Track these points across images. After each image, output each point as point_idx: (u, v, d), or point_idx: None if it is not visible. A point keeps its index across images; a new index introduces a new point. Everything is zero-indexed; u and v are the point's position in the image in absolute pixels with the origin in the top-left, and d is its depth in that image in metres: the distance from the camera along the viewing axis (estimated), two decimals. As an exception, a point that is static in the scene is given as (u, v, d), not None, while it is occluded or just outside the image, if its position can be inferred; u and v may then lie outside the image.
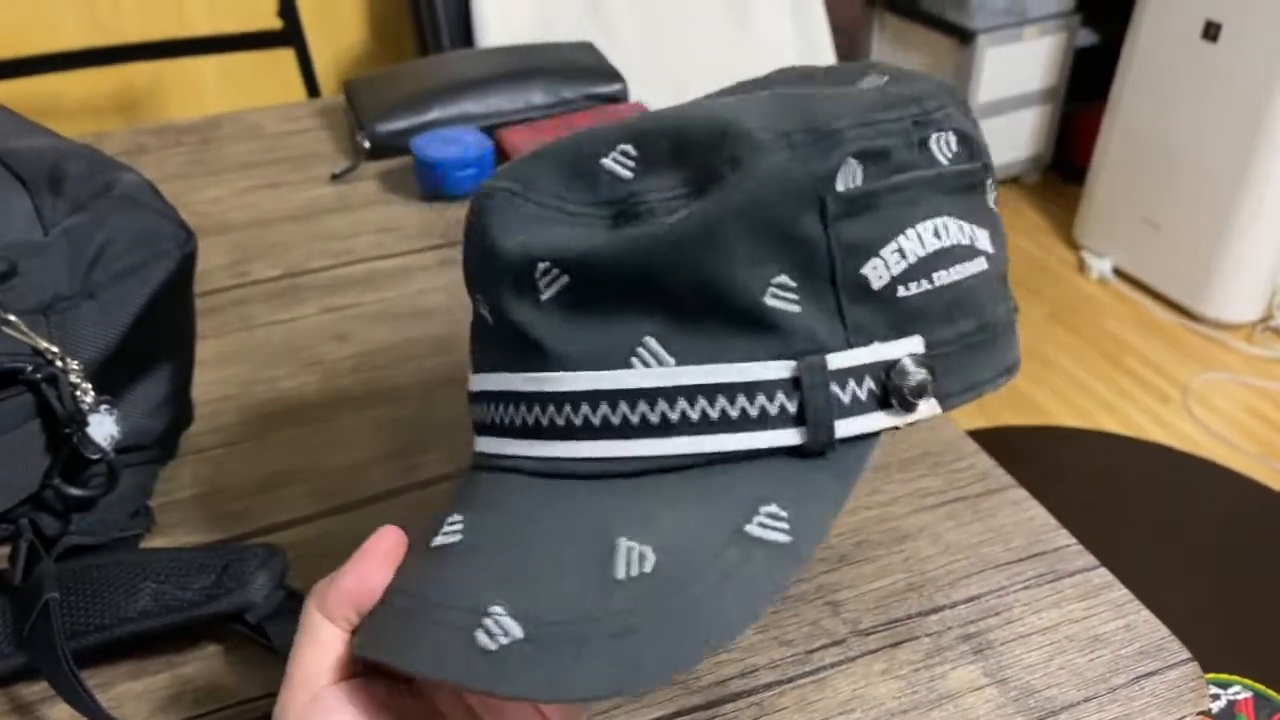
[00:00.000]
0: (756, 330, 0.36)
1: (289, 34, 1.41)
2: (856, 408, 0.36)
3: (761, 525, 0.35)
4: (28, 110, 0.65)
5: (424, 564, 0.37)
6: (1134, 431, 1.97)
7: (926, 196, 0.38)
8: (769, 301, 0.36)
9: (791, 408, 0.36)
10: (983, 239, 0.39)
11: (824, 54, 1.73)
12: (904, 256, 0.37)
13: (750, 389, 0.36)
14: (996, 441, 1.12)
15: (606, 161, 0.38)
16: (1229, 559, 1.07)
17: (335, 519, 0.56)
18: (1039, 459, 1.14)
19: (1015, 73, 2.54)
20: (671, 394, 0.36)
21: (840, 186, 0.36)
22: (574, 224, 0.38)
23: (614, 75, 0.97)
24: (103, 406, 0.52)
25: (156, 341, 0.56)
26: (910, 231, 0.37)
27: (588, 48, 1.01)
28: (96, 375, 0.53)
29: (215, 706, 0.46)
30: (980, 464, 0.59)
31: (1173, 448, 1.15)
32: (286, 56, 1.47)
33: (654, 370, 0.36)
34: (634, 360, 0.36)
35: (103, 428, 0.52)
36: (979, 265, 0.39)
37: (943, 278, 0.37)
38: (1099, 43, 2.61)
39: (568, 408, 0.37)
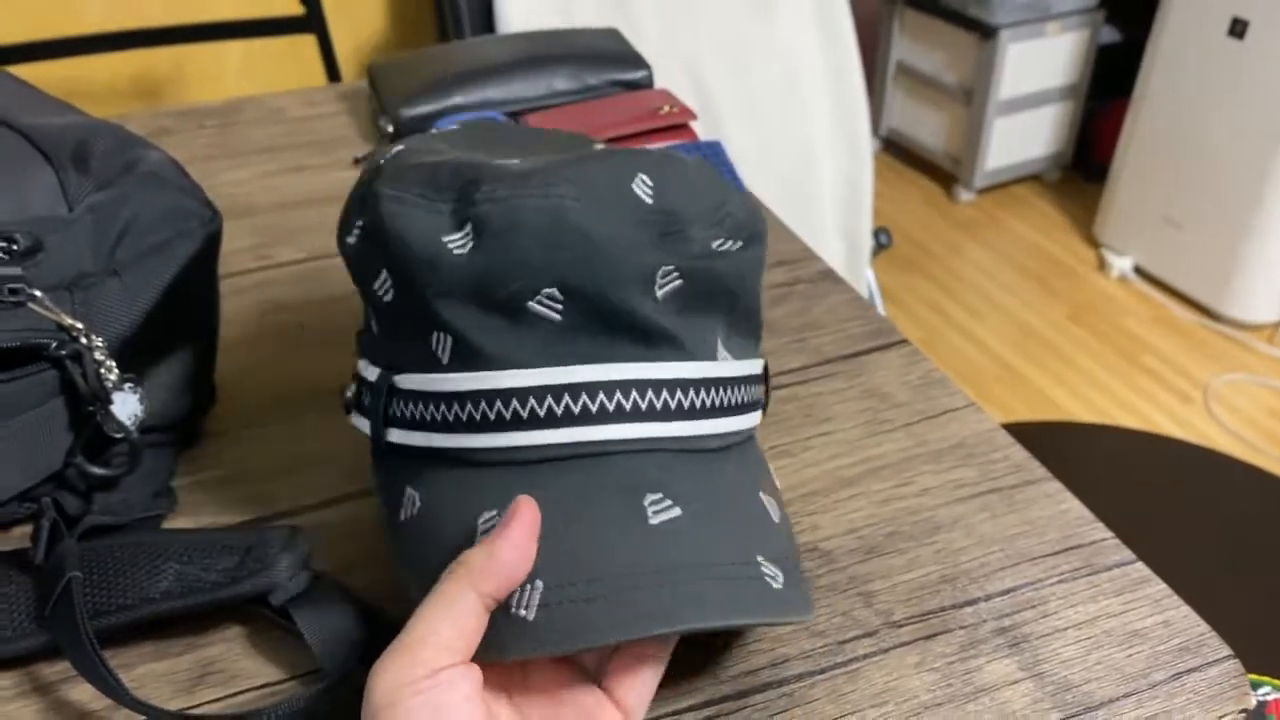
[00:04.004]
0: (754, 336, 0.49)
1: (311, 20, 1.40)
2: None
3: (775, 477, 0.49)
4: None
5: (627, 544, 0.40)
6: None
7: None
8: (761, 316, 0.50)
9: (760, 393, 0.49)
10: None
11: (847, 47, 1.72)
12: None
13: (757, 378, 0.49)
14: (1017, 437, 1.11)
15: (634, 186, 0.43)
16: (1255, 558, 1.05)
17: (360, 502, 0.56)
18: (1057, 454, 1.13)
19: (1037, 69, 2.52)
20: (741, 381, 0.46)
21: None
22: (642, 231, 0.42)
23: (639, 62, 0.96)
24: (126, 385, 0.52)
25: (181, 320, 0.56)
26: None
27: (612, 34, 1.00)
28: (120, 353, 0.52)
29: (238, 689, 0.46)
30: (1015, 456, 0.58)
31: (1193, 443, 1.13)
32: (308, 43, 1.46)
33: (729, 364, 0.46)
34: (719, 355, 0.45)
35: (126, 406, 0.52)
36: None
37: None
38: (1122, 40, 2.59)
39: (678, 392, 0.43)
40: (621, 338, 0.42)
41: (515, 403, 0.42)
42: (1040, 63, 2.52)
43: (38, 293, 0.49)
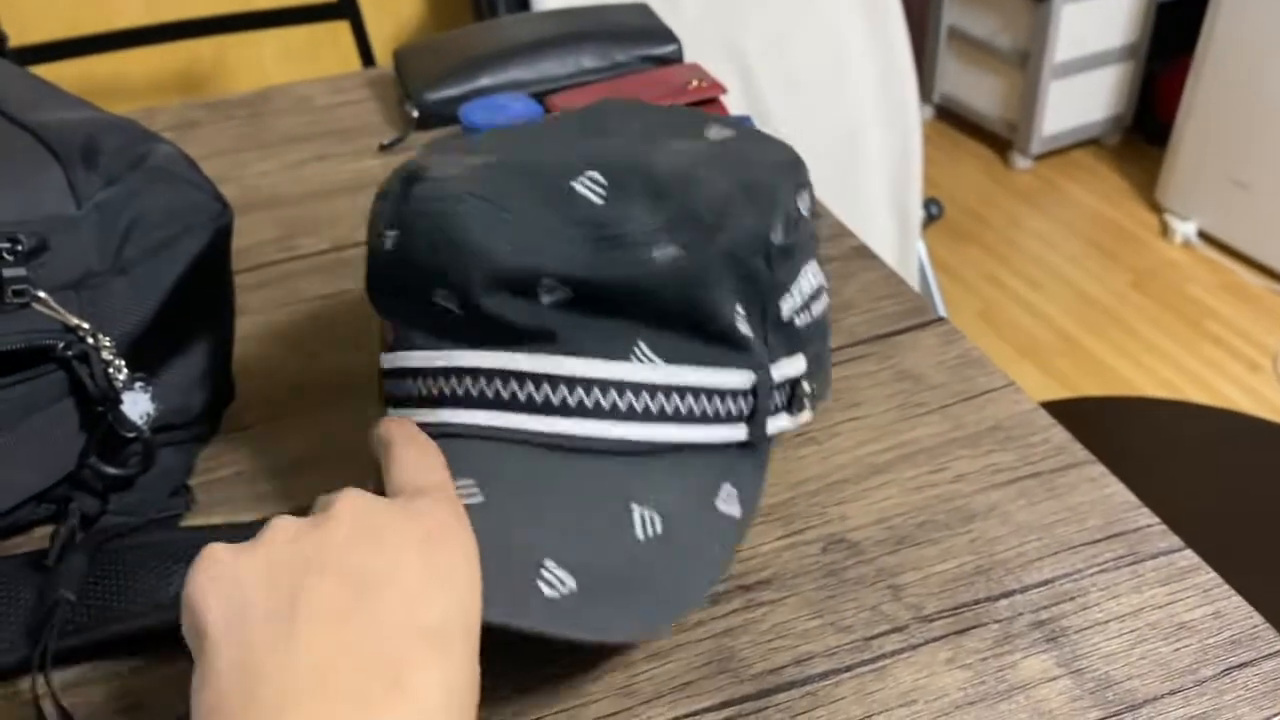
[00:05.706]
0: (727, 346, 0.45)
1: (344, 6, 1.40)
2: (775, 412, 0.47)
3: (724, 501, 0.45)
4: (91, 90, 0.64)
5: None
6: (1222, 403, 1.89)
7: (806, 245, 0.48)
8: (738, 325, 0.45)
9: (745, 409, 0.46)
10: (824, 278, 0.50)
11: (893, 18, 1.67)
12: (801, 294, 0.48)
13: (724, 393, 0.45)
14: (1076, 414, 1.07)
15: (576, 185, 0.43)
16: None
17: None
18: (1121, 432, 1.09)
19: (1094, 30, 2.44)
20: (666, 389, 0.44)
21: (776, 239, 0.45)
22: (559, 240, 0.42)
23: (668, 36, 0.94)
24: (137, 383, 0.51)
25: (192, 317, 0.55)
26: (802, 274, 0.48)
27: (641, 9, 0.98)
28: (130, 352, 0.51)
29: (250, 692, 0.45)
30: (1055, 438, 0.55)
31: (1266, 420, 1.09)
32: (345, 31, 1.46)
33: (648, 366, 0.44)
34: (632, 356, 0.44)
35: (137, 405, 0.51)
36: (827, 299, 0.51)
37: (816, 309, 0.49)
38: (1184, -5, 2.50)
39: (579, 390, 0.43)
40: (503, 331, 0.44)
41: (409, 381, 0.46)
42: (1097, 23, 2.43)
43: (42, 293, 0.48)
